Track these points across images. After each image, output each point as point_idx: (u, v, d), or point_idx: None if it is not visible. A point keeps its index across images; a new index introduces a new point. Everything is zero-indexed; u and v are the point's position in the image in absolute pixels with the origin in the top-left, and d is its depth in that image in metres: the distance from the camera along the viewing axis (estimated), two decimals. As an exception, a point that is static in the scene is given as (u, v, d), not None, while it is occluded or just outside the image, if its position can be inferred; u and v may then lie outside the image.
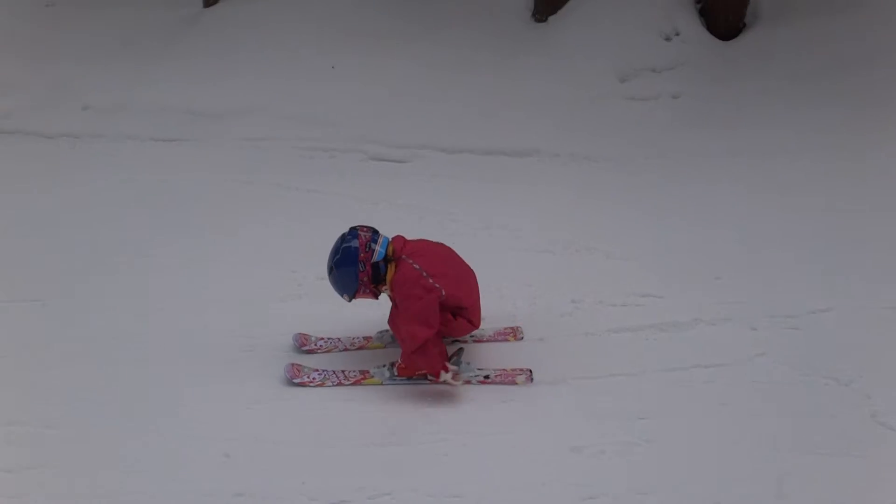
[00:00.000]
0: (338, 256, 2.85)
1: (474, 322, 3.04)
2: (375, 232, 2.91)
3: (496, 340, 3.26)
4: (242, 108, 5.47)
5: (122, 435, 2.76)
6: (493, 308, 3.47)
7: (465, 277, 3.00)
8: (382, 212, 4.32)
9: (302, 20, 6.18)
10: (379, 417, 2.81)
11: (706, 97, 5.41)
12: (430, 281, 2.79)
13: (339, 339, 3.24)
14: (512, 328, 3.31)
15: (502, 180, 4.65)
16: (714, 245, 4.04)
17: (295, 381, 2.96)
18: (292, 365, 3.01)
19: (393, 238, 2.95)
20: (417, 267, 2.80)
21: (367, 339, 3.24)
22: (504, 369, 3.01)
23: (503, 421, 2.81)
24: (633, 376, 3.06)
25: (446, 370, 2.78)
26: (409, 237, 3.84)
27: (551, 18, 6.12)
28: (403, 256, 2.86)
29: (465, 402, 2.89)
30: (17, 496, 2.51)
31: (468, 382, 2.91)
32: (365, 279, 2.83)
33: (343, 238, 2.89)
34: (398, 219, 4.23)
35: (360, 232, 2.88)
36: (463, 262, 3.07)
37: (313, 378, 2.96)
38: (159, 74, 5.86)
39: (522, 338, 3.28)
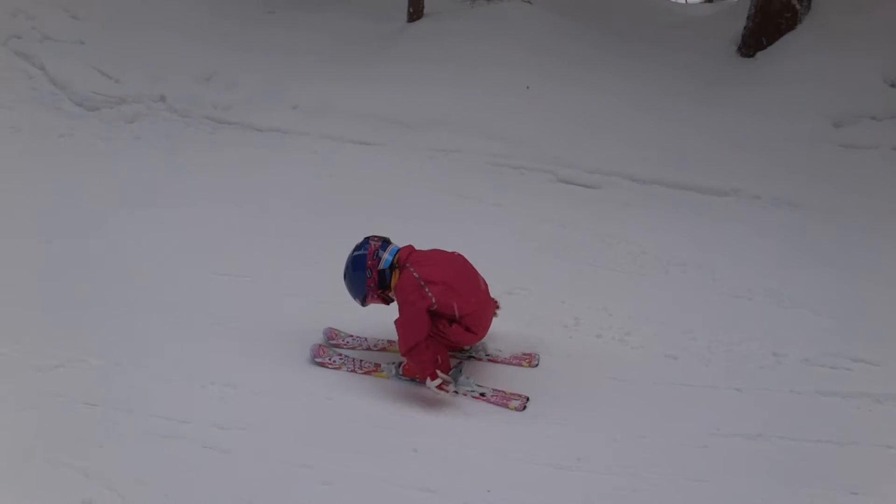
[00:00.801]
0: (348, 264, 3.06)
1: (473, 330, 3.01)
2: (386, 242, 3.08)
3: (510, 364, 3.22)
4: (436, 119, 5.67)
5: (322, 414, 2.93)
6: (684, 348, 3.35)
7: (466, 287, 3.00)
8: (570, 235, 4.31)
9: (499, 40, 6.32)
10: (566, 441, 2.77)
11: (935, 152, 4.88)
12: (426, 290, 2.87)
13: (365, 338, 3.41)
14: (528, 354, 3.26)
15: (697, 217, 4.46)
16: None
17: (317, 360, 3.20)
18: (319, 346, 3.26)
19: (402, 248, 3.06)
20: (416, 275, 2.90)
21: (390, 342, 3.32)
22: (502, 391, 3.01)
23: (697, 467, 2.66)
24: (842, 446, 2.80)
25: (433, 377, 2.86)
26: (597, 265, 3.86)
27: (760, 54, 5.83)
28: (407, 265, 2.96)
29: (650, 435, 2.78)
30: (226, 451, 2.72)
31: (464, 395, 2.98)
32: (372, 285, 3.01)
33: (356, 247, 3.08)
34: (586, 244, 4.22)
35: (370, 241, 3.07)
36: (472, 272, 3.11)
37: (334, 361, 3.19)
38: (362, 81, 6.22)
39: (537, 364, 3.21)
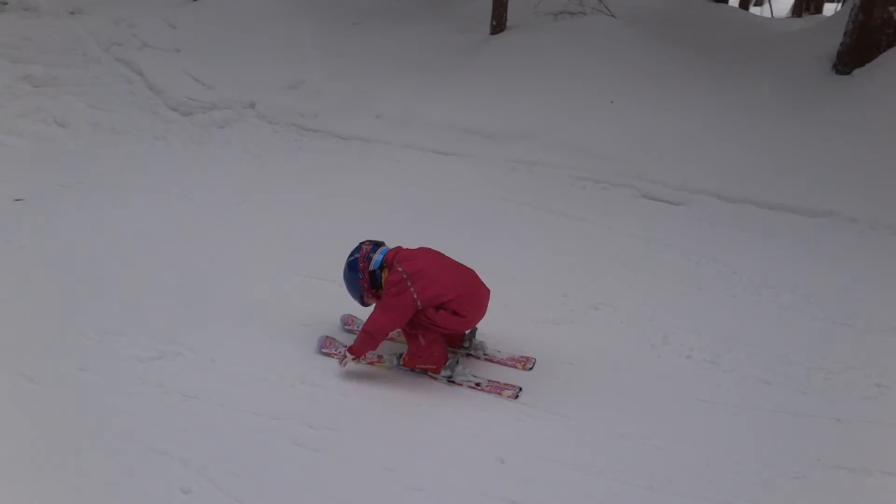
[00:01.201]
0: (345, 268, 3.25)
1: (461, 314, 3.10)
2: (377, 245, 3.26)
3: (506, 364, 3.32)
4: (518, 131, 5.68)
5: (407, 419, 2.96)
6: (780, 374, 3.23)
7: (446, 274, 3.14)
8: (655, 252, 4.24)
9: (582, 54, 6.29)
10: (655, 462, 2.71)
11: None
12: (410, 288, 3.02)
13: None
14: (524, 357, 3.35)
15: (790, 239, 4.31)
16: None
17: (323, 350, 3.37)
18: (326, 337, 3.44)
19: (391, 249, 3.23)
20: (401, 270, 3.06)
21: (399, 332, 3.34)
22: (497, 382, 3.16)
23: (796, 499, 2.55)
24: (956, 486, 2.64)
25: (356, 358, 3.12)
26: (686, 283, 3.79)
27: (857, 71, 5.61)
28: (394, 263, 3.13)
29: (744, 461, 2.70)
30: (317, 450, 2.78)
31: (459, 384, 3.15)
32: (365, 285, 3.19)
33: (351, 252, 3.26)
34: (673, 262, 4.15)
35: (363, 246, 3.26)
36: (455, 263, 3.25)
37: (339, 351, 3.28)
38: (445, 92, 6.30)
39: (531, 368, 3.28)
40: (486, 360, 3.36)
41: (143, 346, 3.38)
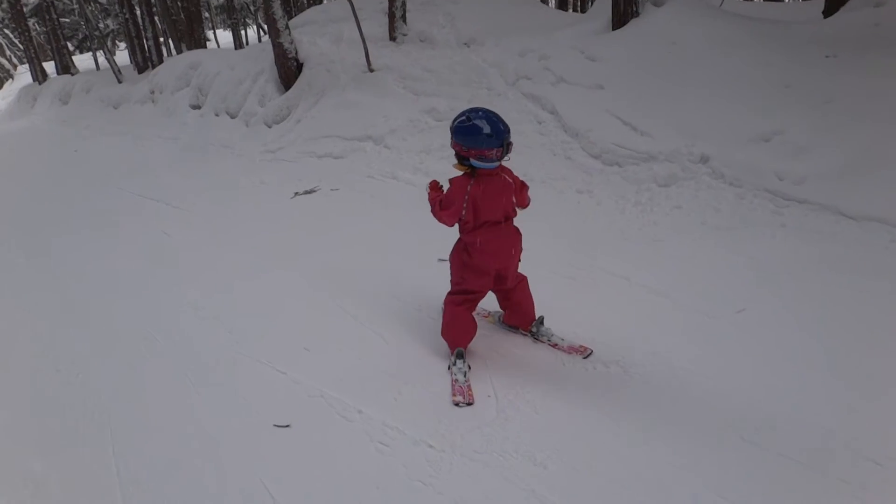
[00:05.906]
0: (493, 117, 3.07)
1: (482, 250, 3.24)
2: (503, 150, 3.06)
3: (566, 352, 3.42)
4: None
5: None
6: None
7: (489, 209, 3.19)
8: None
9: None
10: None
11: None
12: (464, 199, 3.17)
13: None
14: (583, 346, 3.43)
15: None
16: None
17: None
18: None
19: (487, 171, 3.12)
20: (469, 188, 3.14)
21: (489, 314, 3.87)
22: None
23: None
24: None
25: (433, 194, 3.38)
26: None
27: None
28: (472, 177, 3.13)
29: None
30: None
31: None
32: (457, 148, 3.15)
33: (500, 129, 3.06)
34: None
35: (507, 144, 3.07)
36: (503, 204, 3.22)
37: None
38: None
39: (588, 356, 3.35)
40: (550, 345, 3.49)
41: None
